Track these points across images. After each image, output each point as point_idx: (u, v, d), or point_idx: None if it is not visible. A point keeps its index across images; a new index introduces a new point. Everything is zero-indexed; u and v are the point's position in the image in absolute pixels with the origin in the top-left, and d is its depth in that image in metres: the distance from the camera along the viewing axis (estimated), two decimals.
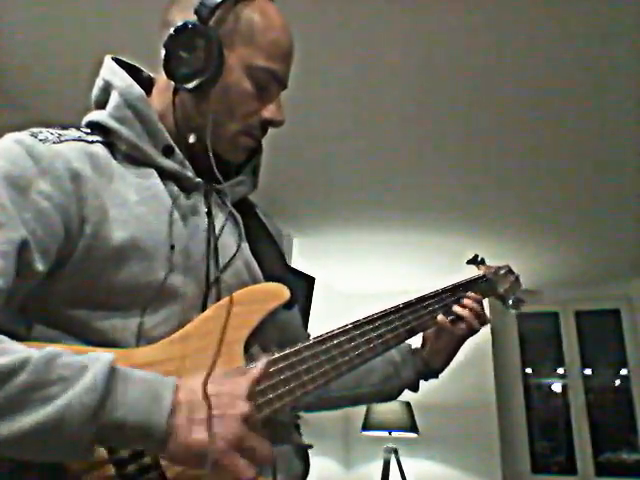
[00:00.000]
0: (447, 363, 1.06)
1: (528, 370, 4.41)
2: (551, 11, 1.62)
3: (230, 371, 0.65)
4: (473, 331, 1.03)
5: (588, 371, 4.21)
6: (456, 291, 1.05)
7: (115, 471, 0.58)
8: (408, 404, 3.71)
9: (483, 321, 1.04)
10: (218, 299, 0.73)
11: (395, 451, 3.59)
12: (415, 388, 1.07)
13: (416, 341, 1.03)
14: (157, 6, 0.84)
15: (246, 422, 0.60)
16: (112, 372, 0.56)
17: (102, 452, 0.59)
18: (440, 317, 1.01)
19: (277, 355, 0.73)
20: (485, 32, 1.73)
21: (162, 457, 0.60)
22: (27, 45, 1.85)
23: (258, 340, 0.75)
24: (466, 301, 1.03)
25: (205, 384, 0.59)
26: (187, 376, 0.62)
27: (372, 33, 1.75)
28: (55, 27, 1.76)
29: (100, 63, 0.81)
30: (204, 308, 0.72)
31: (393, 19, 1.68)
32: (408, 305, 0.96)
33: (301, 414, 0.86)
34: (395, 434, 3.66)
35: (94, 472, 0.58)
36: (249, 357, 0.72)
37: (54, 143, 0.68)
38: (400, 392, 1.07)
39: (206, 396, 0.58)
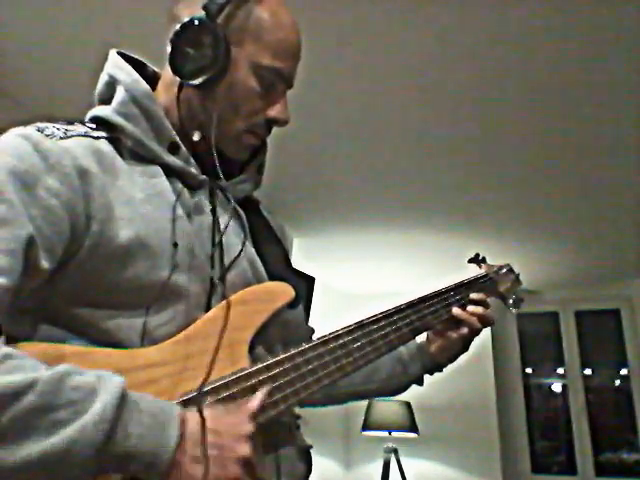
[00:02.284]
0: (454, 359, 1.06)
1: (528, 370, 4.41)
2: (552, 11, 1.62)
3: (231, 406, 0.64)
4: (478, 332, 1.03)
5: (588, 371, 4.21)
6: (459, 290, 1.05)
7: None
8: (408, 404, 3.71)
9: (487, 322, 1.04)
10: (223, 298, 0.72)
11: (395, 451, 3.59)
12: (420, 382, 1.07)
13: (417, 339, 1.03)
14: (159, 3, 0.84)
15: (245, 465, 0.59)
16: (121, 401, 0.54)
17: None
18: (452, 312, 1.01)
19: (282, 356, 0.72)
20: (486, 32, 1.73)
21: None
22: (27, 42, 1.84)
23: (263, 340, 0.74)
24: (470, 307, 1.03)
25: (200, 390, 0.58)
26: (189, 379, 0.62)
27: (374, 33, 1.74)
28: (56, 24, 1.76)
29: (102, 60, 0.80)
30: (209, 307, 0.71)
31: (394, 19, 1.68)
32: (411, 305, 0.96)
33: (301, 414, 0.85)
34: (395, 434, 3.66)
35: None
36: (254, 357, 0.72)
37: (61, 139, 0.67)
38: (407, 387, 1.08)
39: (204, 431, 0.58)
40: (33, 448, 0.50)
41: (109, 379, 0.56)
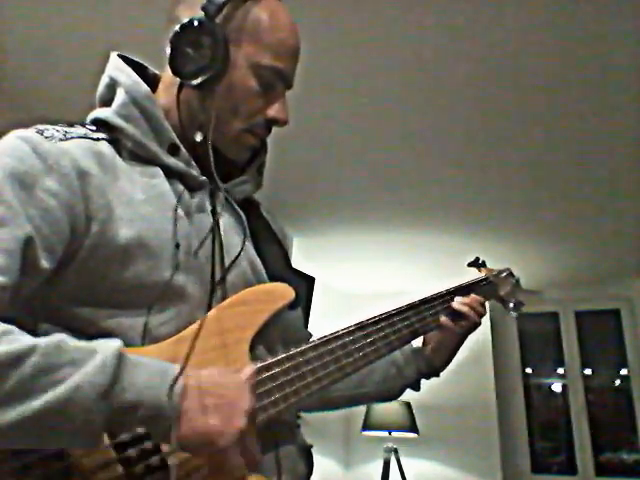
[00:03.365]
0: (449, 361, 1.06)
1: (528, 370, 4.41)
2: (553, 11, 1.62)
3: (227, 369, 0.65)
4: (475, 325, 1.04)
5: (588, 371, 4.21)
6: (459, 293, 1.05)
7: (115, 455, 0.58)
8: (408, 404, 3.71)
9: (480, 313, 1.04)
10: (224, 299, 0.73)
11: (395, 451, 3.59)
12: (417, 387, 1.07)
13: (417, 340, 1.03)
14: (159, 4, 0.84)
15: (249, 418, 0.61)
16: (121, 355, 0.56)
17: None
18: (443, 318, 1.01)
19: (282, 356, 0.72)
20: (486, 32, 1.73)
21: (162, 443, 0.60)
22: (28, 44, 1.84)
23: (263, 340, 0.74)
24: (465, 298, 1.03)
25: (175, 379, 0.59)
26: None
27: (374, 34, 1.75)
28: (56, 26, 1.76)
29: (102, 62, 0.80)
30: (209, 308, 0.72)
31: (395, 20, 1.68)
32: (411, 307, 0.96)
33: (301, 414, 0.86)
34: (395, 434, 3.66)
35: (93, 456, 0.58)
36: (254, 357, 0.72)
37: (60, 140, 0.67)
38: (402, 391, 1.07)
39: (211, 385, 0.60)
40: (39, 401, 0.51)
41: (107, 342, 0.58)
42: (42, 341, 0.55)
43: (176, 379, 0.58)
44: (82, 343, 0.57)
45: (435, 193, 2.88)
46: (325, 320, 3.06)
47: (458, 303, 1.02)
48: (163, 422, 0.56)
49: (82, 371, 0.53)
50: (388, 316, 0.90)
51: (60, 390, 0.52)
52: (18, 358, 0.53)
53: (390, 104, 2.13)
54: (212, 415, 0.58)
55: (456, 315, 1.02)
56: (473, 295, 1.05)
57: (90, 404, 0.52)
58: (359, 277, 4.24)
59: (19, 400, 0.51)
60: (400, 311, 0.93)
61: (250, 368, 0.66)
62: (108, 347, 0.56)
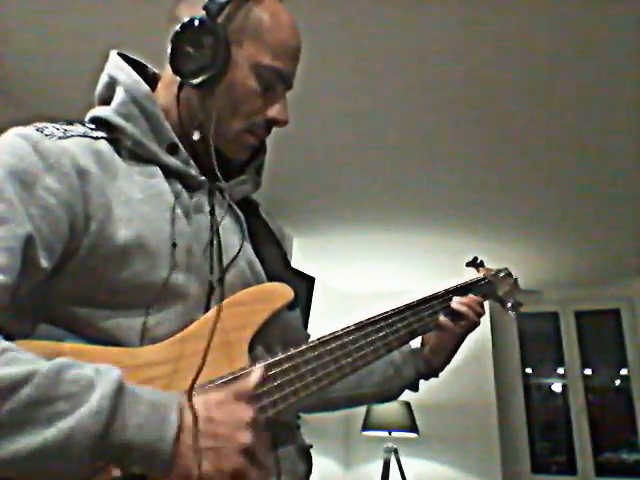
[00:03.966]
0: (448, 361, 1.05)
1: (528, 370, 4.41)
2: (554, 11, 1.62)
3: (228, 390, 0.63)
4: (474, 325, 1.03)
5: (588, 371, 4.21)
6: (458, 293, 1.05)
7: None
8: (408, 404, 3.71)
9: (479, 313, 1.04)
10: (222, 299, 0.72)
11: (395, 451, 3.59)
12: (415, 388, 1.07)
13: (415, 341, 1.03)
14: (160, 3, 0.84)
15: (247, 454, 0.59)
16: (119, 392, 0.54)
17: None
18: (442, 318, 1.00)
19: (282, 356, 0.72)
20: (488, 33, 1.73)
21: None
22: (27, 42, 1.84)
23: (263, 340, 0.74)
24: (463, 298, 1.03)
25: (190, 392, 0.58)
26: (184, 379, 0.62)
27: (374, 33, 1.74)
28: (56, 24, 1.76)
29: (102, 61, 0.80)
30: (208, 308, 0.71)
31: (395, 18, 1.68)
32: (410, 307, 0.96)
33: (301, 414, 0.85)
34: (395, 434, 3.66)
35: None
36: (253, 357, 0.72)
37: (60, 139, 0.67)
38: (401, 392, 1.07)
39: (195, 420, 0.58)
40: (31, 440, 0.50)
41: (106, 371, 0.56)
42: (40, 369, 0.53)
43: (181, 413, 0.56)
44: (81, 372, 0.55)
45: (435, 193, 2.88)
46: (325, 320, 3.06)
47: (457, 303, 1.02)
48: (158, 463, 0.55)
49: (76, 414, 0.51)
50: (387, 316, 0.90)
51: (53, 431, 0.50)
52: (12, 387, 0.51)
53: (390, 104, 2.13)
54: (205, 457, 0.56)
55: (455, 315, 1.02)
56: (471, 295, 1.05)
57: (83, 448, 0.51)
58: (359, 277, 4.24)
59: (9, 433, 0.50)
60: (399, 311, 0.93)
61: (252, 379, 0.64)
62: (107, 380, 0.54)
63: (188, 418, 0.57)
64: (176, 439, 0.55)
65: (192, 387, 0.59)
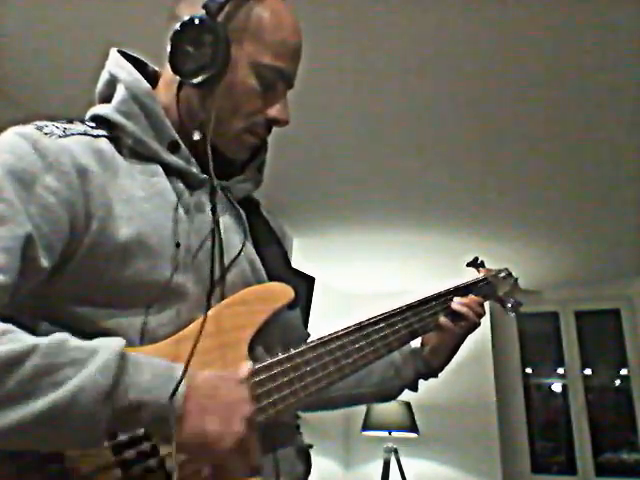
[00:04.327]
0: (447, 362, 1.05)
1: (528, 370, 4.41)
2: (554, 12, 1.62)
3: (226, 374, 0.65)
4: (474, 326, 1.03)
5: (588, 371, 4.21)
6: (458, 293, 1.05)
7: (113, 457, 0.58)
8: (408, 404, 3.71)
9: (479, 313, 1.04)
10: (222, 298, 0.72)
11: (395, 451, 3.59)
12: (414, 388, 1.06)
13: (415, 341, 1.03)
14: (160, 2, 0.83)
15: (249, 424, 0.61)
16: (123, 355, 0.56)
17: None
18: (442, 319, 1.00)
19: (282, 356, 0.72)
20: (488, 34, 1.72)
21: (163, 444, 0.60)
22: (27, 42, 1.84)
23: (263, 340, 0.74)
24: (464, 298, 1.03)
25: (179, 382, 0.59)
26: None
27: (374, 33, 1.74)
28: (55, 23, 1.76)
29: (101, 59, 0.80)
30: (208, 307, 0.71)
31: (395, 17, 1.68)
32: (410, 307, 0.95)
33: (301, 414, 0.85)
34: (395, 434, 3.66)
35: (91, 458, 0.57)
36: (254, 357, 0.72)
37: (60, 137, 0.67)
38: (400, 392, 1.07)
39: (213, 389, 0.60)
40: (41, 403, 0.51)
41: (109, 340, 0.57)
42: (43, 341, 0.54)
43: (180, 381, 0.58)
44: (83, 342, 0.56)
45: (435, 193, 2.88)
46: (325, 320, 3.06)
47: (457, 304, 1.01)
48: (165, 424, 0.56)
49: (84, 372, 0.53)
50: (387, 317, 0.90)
51: (62, 392, 0.52)
52: (18, 359, 0.52)
53: (390, 104, 2.13)
54: (212, 419, 0.58)
55: (455, 316, 1.01)
56: (472, 295, 1.05)
57: (92, 406, 0.52)
58: (359, 277, 4.23)
59: (20, 402, 0.51)
60: (399, 312, 0.92)
61: (246, 369, 0.66)
62: (110, 346, 0.56)
63: (195, 382, 0.59)
64: (183, 400, 0.57)
65: (173, 394, 0.59)
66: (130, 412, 0.54)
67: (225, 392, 0.61)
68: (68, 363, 0.53)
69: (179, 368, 0.59)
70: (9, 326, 0.56)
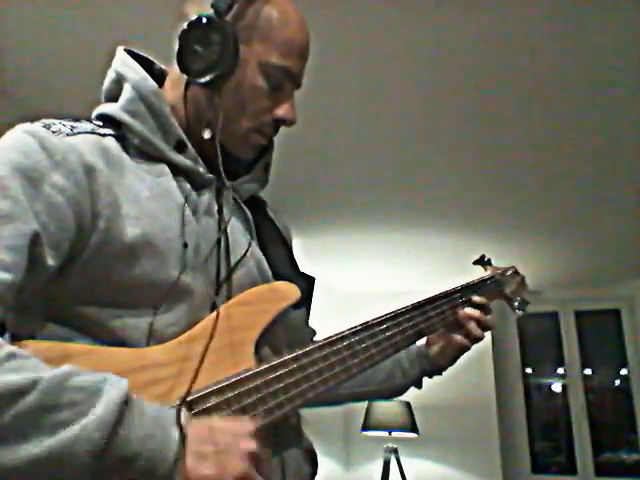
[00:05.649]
0: (453, 363, 1.05)
1: (528, 370, 4.41)
2: (555, 12, 1.62)
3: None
4: (477, 339, 1.01)
5: (588, 371, 4.22)
6: (465, 292, 1.04)
7: None
8: (408, 404, 3.70)
9: (486, 327, 1.02)
10: (229, 298, 0.72)
11: (395, 451, 3.59)
12: (419, 384, 1.06)
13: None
14: (163, 1, 0.83)
15: (251, 459, 0.58)
16: (123, 404, 0.53)
17: None
18: (457, 337, 0.99)
19: (288, 356, 0.72)
20: (489, 33, 1.72)
21: None
22: (28, 42, 1.83)
23: (269, 340, 0.74)
24: (468, 310, 1.01)
25: (187, 394, 0.58)
26: (189, 381, 0.61)
27: (375, 35, 1.74)
28: (57, 23, 1.75)
29: (104, 59, 0.79)
30: (214, 308, 0.71)
31: (396, 20, 1.67)
32: (417, 307, 0.95)
33: (301, 414, 0.85)
34: (395, 434, 3.65)
35: None
36: (260, 357, 0.71)
37: (67, 135, 0.66)
38: (406, 390, 1.06)
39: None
40: (34, 448, 0.49)
41: (113, 381, 0.55)
42: (45, 376, 0.52)
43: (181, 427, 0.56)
44: (87, 379, 0.54)
45: (436, 193, 2.88)
46: (325, 321, 3.06)
47: (463, 315, 1.00)
48: (160, 475, 0.53)
49: (81, 422, 0.51)
50: (393, 316, 0.89)
51: (57, 439, 0.50)
52: (18, 393, 0.50)
53: (391, 104, 2.13)
54: (208, 463, 0.56)
55: (458, 325, 1.00)
56: (475, 297, 1.04)
57: (86, 458, 0.50)
58: (359, 277, 4.23)
59: (13, 441, 0.49)
60: (406, 311, 0.92)
61: (251, 424, 0.63)
62: (112, 390, 0.54)
63: (190, 429, 0.57)
64: (178, 450, 0.55)
65: (188, 393, 0.59)
66: (123, 464, 0.52)
67: (222, 434, 0.58)
68: (67, 405, 0.51)
69: (174, 420, 0.56)
70: (12, 349, 0.54)
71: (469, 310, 1.01)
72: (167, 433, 0.55)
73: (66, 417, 0.51)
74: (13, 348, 0.54)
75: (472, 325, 0.99)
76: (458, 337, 1.00)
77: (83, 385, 0.53)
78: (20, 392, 0.50)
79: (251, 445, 0.58)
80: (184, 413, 0.58)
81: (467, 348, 1.02)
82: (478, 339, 1.01)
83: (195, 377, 0.59)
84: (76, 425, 0.51)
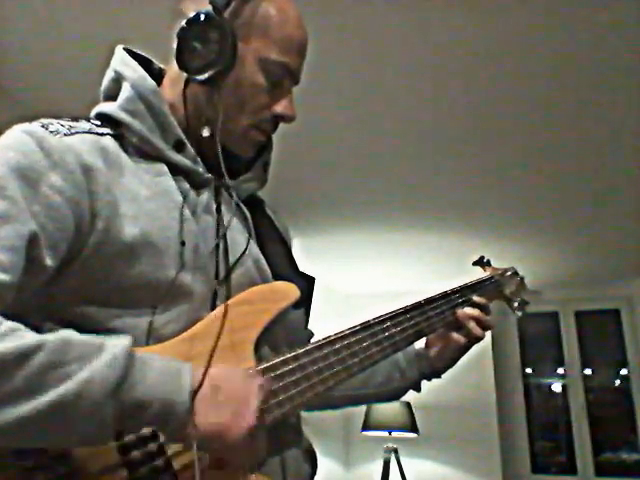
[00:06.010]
0: (452, 365, 1.04)
1: (528, 370, 4.41)
2: (553, 13, 1.61)
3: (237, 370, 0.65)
4: (477, 339, 1.00)
5: (588, 371, 4.22)
6: (464, 292, 1.04)
7: (119, 457, 0.57)
8: (408, 404, 3.71)
9: (486, 327, 1.01)
10: (228, 297, 0.72)
11: (395, 451, 3.59)
12: (418, 388, 1.06)
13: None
14: (162, 0, 0.83)
15: (259, 417, 0.61)
16: (130, 352, 0.56)
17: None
18: (455, 335, 0.99)
19: (288, 356, 0.71)
20: (488, 33, 1.72)
21: (171, 443, 0.60)
22: (27, 41, 1.83)
23: (268, 340, 0.74)
24: (468, 310, 1.00)
25: (201, 382, 0.59)
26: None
27: (376, 35, 1.74)
28: (56, 22, 1.75)
29: (102, 58, 0.79)
30: (213, 307, 0.71)
31: (396, 21, 1.67)
32: (417, 307, 0.94)
33: (302, 414, 0.85)
34: (395, 434, 3.65)
35: (97, 459, 0.57)
36: (259, 357, 0.71)
37: (65, 135, 0.66)
38: (404, 393, 1.06)
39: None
40: (46, 398, 0.51)
41: (116, 338, 0.57)
42: (49, 337, 0.54)
43: (202, 379, 0.58)
44: (90, 338, 0.56)
45: (436, 193, 2.88)
46: (325, 321, 3.06)
47: (463, 315, 0.99)
48: (174, 419, 0.56)
49: (91, 366, 0.53)
50: (393, 316, 0.89)
51: (69, 385, 0.51)
52: (26, 355, 0.52)
53: (391, 104, 2.12)
54: (222, 411, 0.58)
55: (460, 328, 1.00)
56: (475, 297, 1.04)
57: (100, 399, 0.52)
58: (359, 277, 4.23)
59: (27, 396, 0.50)
60: (405, 311, 0.91)
61: (253, 364, 0.66)
62: (117, 343, 0.56)
63: (199, 377, 0.59)
64: (191, 393, 0.57)
65: (198, 390, 0.59)
66: (138, 408, 0.54)
67: (235, 385, 0.61)
68: (75, 358, 0.53)
69: (186, 364, 0.59)
70: (15, 324, 0.55)
71: (469, 310, 1.00)
72: (179, 380, 0.57)
73: (75, 367, 0.53)
74: (14, 323, 0.56)
75: (472, 324, 0.99)
76: (458, 337, 0.99)
77: (86, 341, 0.55)
78: (27, 354, 0.52)
79: (258, 404, 0.61)
80: (191, 366, 0.60)
81: (467, 349, 1.01)
82: (479, 339, 1.00)
83: (204, 376, 0.60)
84: (87, 369, 0.52)
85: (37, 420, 0.50)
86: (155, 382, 0.55)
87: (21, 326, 0.56)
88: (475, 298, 1.03)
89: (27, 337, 0.54)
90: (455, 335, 0.99)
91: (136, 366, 0.55)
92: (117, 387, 0.53)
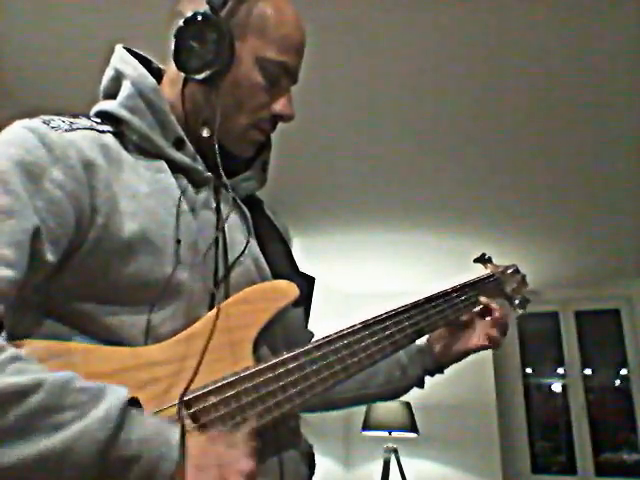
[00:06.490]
0: (458, 360, 1.04)
1: (528, 370, 4.41)
2: (553, 13, 1.61)
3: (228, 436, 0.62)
4: (497, 345, 1.01)
5: (588, 371, 4.21)
6: (465, 290, 1.04)
7: None
8: (408, 404, 3.70)
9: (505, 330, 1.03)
10: (227, 296, 0.72)
11: (395, 451, 3.59)
12: (421, 384, 1.05)
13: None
14: (161, 1, 0.83)
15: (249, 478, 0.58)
16: (125, 407, 0.54)
17: None
18: (483, 299, 1.01)
19: (287, 356, 0.71)
20: (487, 33, 1.72)
21: None
22: (27, 41, 1.83)
23: (267, 340, 0.73)
24: (496, 315, 1.01)
25: (182, 397, 0.58)
26: (187, 379, 0.61)
27: (376, 35, 1.74)
28: (56, 22, 1.75)
29: (101, 58, 0.79)
30: (212, 306, 0.70)
31: (396, 21, 1.67)
32: (417, 305, 0.94)
33: (301, 414, 0.84)
34: (395, 434, 3.65)
35: None
36: (258, 357, 0.71)
37: (66, 131, 0.66)
38: (407, 391, 1.05)
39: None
40: (36, 447, 0.49)
41: (113, 388, 0.55)
42: (49, 377, 0.53)
43: (182, 436, 0.56)
44: (89, 384, 0.55)
45: (436, 193, 2.88)
46: (325, 320, 3.06)
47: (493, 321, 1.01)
48: (159, 478, 0.54)
49: (84, 421, 0.51)
50: (393, 315, 0.89)
51: (59, 437, 0.50)
52: (22, 394, 0.50)
53: (391, 104, 2.12)
54: (207, 474, 0.55)
55: (467, 325, 1.01)
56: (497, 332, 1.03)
57: (87, 457, 0.50)
58: (359, 277, 4.23)
59: (17, 440, 0.49)
60: (405, 309, 0.91)
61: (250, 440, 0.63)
62: (113, 395, 0.54)
63: (191, 438, 0.57)
64: (179, 456, 0.55)
65: (185, 392, 0.59)
66: (124, 465, 0.53)
67: (223, 448, 0.58)
68: (70, 406, 0.52)
69: (175, 429, 0.57)
70: (16, 352, 0.54)
71: (497, 316, 1.01)
72: (167, 439, 0.55)
73: (69, 417, 0.51)
74: (16, 351, 0.54)
75: (496, 333, 1.00)
76: (474, 339, 1.00)
77: (86, 388, 0.54)
78: (24, 393, 0.50)
79: (250, 465, 0.58)
80: (183, 422, 0.58)
81: (479, 349, 1.02)
82: (499, 344, 1.02)
83: (194, 376, 0.59)
84: (79, 423, 0.51)
85: (20, 466, 0.49)
86: (146, 440, 0.54)
87: (21, 354, 0.55)
88: (493, 306, 1.03)
89: (28, 370, 0.53)
90: (472, 337, 1.00)
91: (129, 422, 0.53)
92: (105, 447, 0.51)
